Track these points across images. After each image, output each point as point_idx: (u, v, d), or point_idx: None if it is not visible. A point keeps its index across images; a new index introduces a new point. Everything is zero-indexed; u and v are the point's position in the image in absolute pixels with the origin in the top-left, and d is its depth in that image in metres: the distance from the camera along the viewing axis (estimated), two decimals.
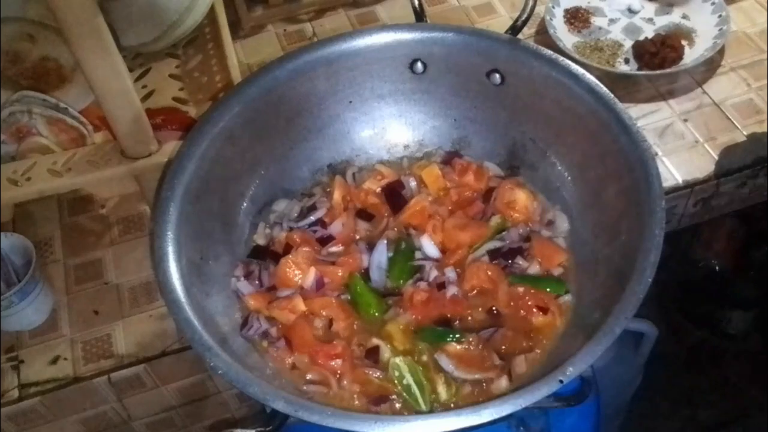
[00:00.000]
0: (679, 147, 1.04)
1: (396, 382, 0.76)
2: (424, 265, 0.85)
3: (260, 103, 0.88)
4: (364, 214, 0.90)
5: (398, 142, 0.98)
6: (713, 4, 1.16)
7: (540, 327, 0.79)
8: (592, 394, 0.74)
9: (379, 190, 0.93)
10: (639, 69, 1.11)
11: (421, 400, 0.74)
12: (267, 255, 0.87)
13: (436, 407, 0.75)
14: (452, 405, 0.75)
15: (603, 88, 0.83)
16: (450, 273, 0.83)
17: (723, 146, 1.03)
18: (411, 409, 0.75)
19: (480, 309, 0.81)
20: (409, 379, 0.76)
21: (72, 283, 0.97)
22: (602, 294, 0.75)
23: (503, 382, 0.75)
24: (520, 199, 0.89)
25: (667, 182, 0.99)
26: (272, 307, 0.81)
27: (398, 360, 0.77)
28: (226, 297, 0.82)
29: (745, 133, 1.05)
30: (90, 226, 1.03)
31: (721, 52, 1.13)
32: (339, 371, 0.77)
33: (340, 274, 0.84)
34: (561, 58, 0.86)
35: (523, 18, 0.89)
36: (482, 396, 0.75)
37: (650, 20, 1.20)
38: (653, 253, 0.70)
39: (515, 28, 0.90)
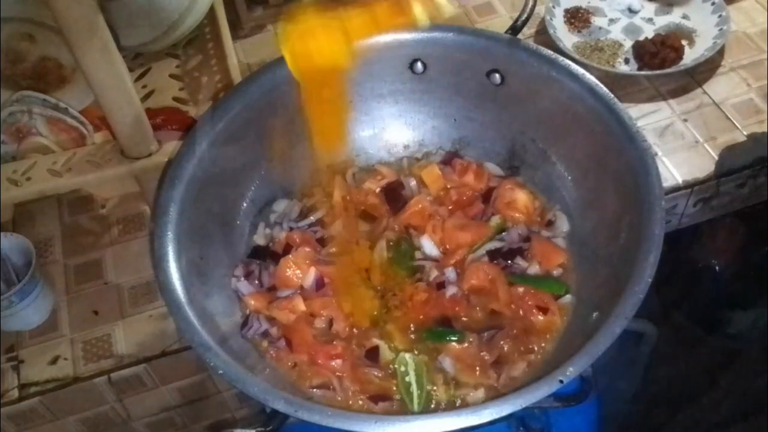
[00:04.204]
0: (679, 147, 1.04)
1: (398, 377, 0.76)
2: (424, 265, 0.85)
3: (260, 103, 0.88)
4: (364, 215, 0.90)
5: (398, 142, 0.98)
6: (713, 4, 1.16)
7: (540, 327, 0.79)
8: (592, 394, 0.74)
9: (379, 190, 0.93)
10: (639, 69, 1.11)
11: (416, 401, 0.75)
12: (267, 255, 0.87)
13: (435, 408, 0.75)
14: (447, 406, 0.75)
15: (603, 88, 0.83)
16: (450, 273, 0.83)
17: (723, 146, 1.03)
18: (404, 409, 0.75)
19: (480, 309, 0.81)
20: (412, 377, 0.76)
21: (72, 283, 0.97)
22: (602, 294, 0.75)
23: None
24: (520, 199, 0.89)
25: (667, 182, 0.99)
26: (272, 308, 0.81)
27: (407, 356, 0.77)
28: (226, 297, 0.82)
29: (745, 133, 1.04)
30: (90, 226, 1.03)
31: (721, 52, 1.13)
32: (339, 371, 0.77)
33: None
34: (561, 58, 0.86)
35: (523, 18, 0.89)
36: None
37: (650, 20, 1.20)
38: (653, 253, 0.70)
39: (515, 28, 0.90)
